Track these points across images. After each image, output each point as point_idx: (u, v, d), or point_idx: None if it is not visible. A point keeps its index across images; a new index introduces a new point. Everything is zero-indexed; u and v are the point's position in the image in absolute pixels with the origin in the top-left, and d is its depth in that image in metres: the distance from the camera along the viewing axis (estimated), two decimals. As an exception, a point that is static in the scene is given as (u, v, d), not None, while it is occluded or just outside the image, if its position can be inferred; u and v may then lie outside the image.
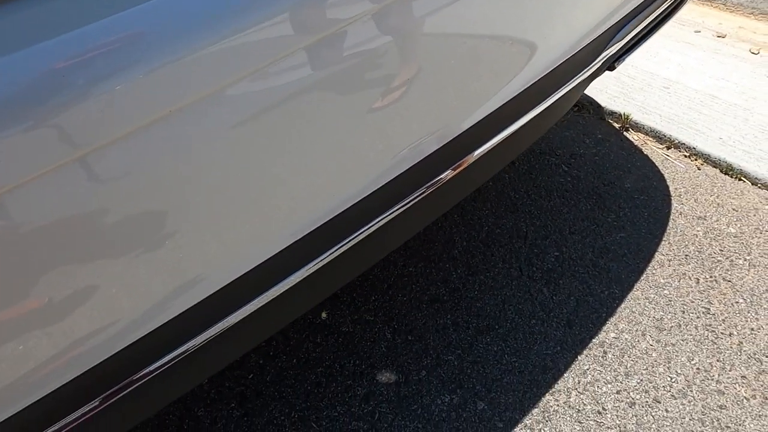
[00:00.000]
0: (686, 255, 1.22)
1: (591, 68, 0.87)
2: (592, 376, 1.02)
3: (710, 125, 1.53)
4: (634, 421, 0.95)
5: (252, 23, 0.47)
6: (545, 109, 0.81)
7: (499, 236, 1.27)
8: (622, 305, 1.13)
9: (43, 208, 0.42)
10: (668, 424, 0.95)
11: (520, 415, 0.97)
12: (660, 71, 1.74)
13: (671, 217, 1.30)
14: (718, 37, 1.90)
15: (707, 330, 1.08)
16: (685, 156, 1.48)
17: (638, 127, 1.56)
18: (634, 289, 1.15)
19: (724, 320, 1.09)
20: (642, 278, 1.17)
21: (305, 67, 0.51)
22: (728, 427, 0.94)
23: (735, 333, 1.07)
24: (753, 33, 1.91)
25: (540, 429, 0.95)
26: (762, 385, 0.99)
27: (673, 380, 1.01)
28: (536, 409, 0.97)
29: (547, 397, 0.99)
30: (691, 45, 1.86)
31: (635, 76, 1.73)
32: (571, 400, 0.99)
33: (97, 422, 0.54)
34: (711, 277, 1.17)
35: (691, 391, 0.99)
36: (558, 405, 0.98)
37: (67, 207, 0.43)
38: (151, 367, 0.55)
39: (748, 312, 1.11)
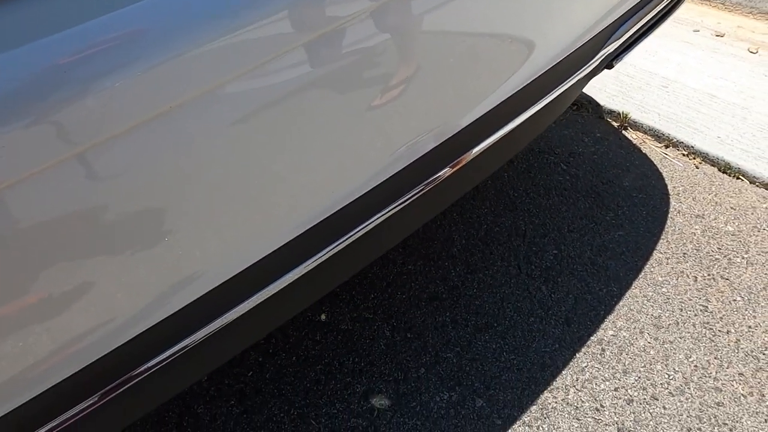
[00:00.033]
0: (684, 253, 1.22)
1: (589, 66, 0.88)
2: (591, 373, 1.02)
3: (708, 124, 1.53)
4: (632, 418, 0.96)
5: (251, 20, 0.47)
6: (543, 107, 0.82)
7: (497, 234, 1.28)
8: (621, 303, 1.13)
9: (43, 204, 0.43)
10: (666, 421, 0.95)
11: (519, 413, 0.97)
12: (659, 70, 1.74)
13: (669, 215, 1.31)
14: (717, 36, 1.90)
15: (705, 328, 1.08)
16: (684, 155, 1.48)
17: (637, 126, 1.56)
18: (633, 287, 1.16)
19: (721, 318, 1.10)
20: (640, 276, 1.18)
21: (304, 65, 0.51)
22: (725, 423, 0.94)
23: (733, 330, 1.08)
24: (751, 32, 1.91)
25: (538, 426, 0.96)
26: (759, 383, 0.99)
27: (670, 377, 1.01)
28: (534, 407, 0.98)
29: (546, 394, 0.99)
30: (690, 44, 1.86)
31: (634, 75, 1.74)
32: (569, 397, 0.99)
33: (97, 418, 0.54)
34: (709, 275, 1.18)
35: (689, 388, 0.99)
36: (556, 402, 0.98)
37: (67, 202, 0.44)
38: (150, 363, 0.55)
39: (746, 310, 1.11)
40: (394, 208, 0.68)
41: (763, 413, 0.95)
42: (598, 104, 1.64)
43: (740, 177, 1.40)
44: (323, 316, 1.12)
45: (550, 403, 0.98)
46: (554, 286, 1.16)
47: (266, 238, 0.58)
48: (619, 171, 1.43)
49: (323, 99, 0.54)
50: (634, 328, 1.09)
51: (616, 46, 0.91)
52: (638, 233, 1.27)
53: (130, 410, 0.60)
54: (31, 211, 0.42)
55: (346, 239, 0.65)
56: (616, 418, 0.96)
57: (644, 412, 0.96)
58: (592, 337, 1.08)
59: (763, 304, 1.12)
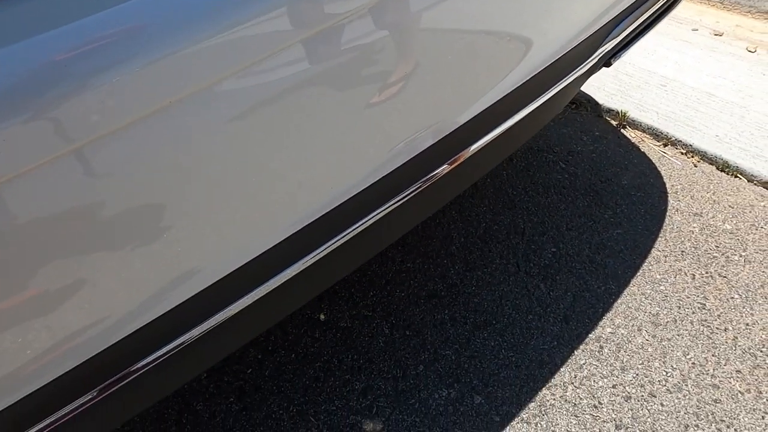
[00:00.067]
0: (682, 251, 1.22)
1: (587, 64, 0.88)
2: (589, 370, 1.03)
3: (707, 123, 1.53)
4: (629, 415, 0.96)
5: (249, 17, 0.48)
6: (541, 104, 0.82)
7: (496, 233, 1.28)
8: (619, 301, 1.14)
9: (40, 200, 0.43)
10: (663, 417, 0.95)
11: (517, 409, 0.97)
12: (657, 69, 1.74)
13: (668, 213, 1.31)
14: (715, 35, 1.90)
15: (703, 325, 1.09)
16: (682, 153, 1.48)
17: (635, 125, 1.57)
18: (631, 285, 1.16)
19: (719, 315, 1.10)
20: (638, 274, 1.18)
21: (302, 61, 0.52)
22: (723, 420, 0.95)
23: (730, 328, 1.08)
24: (750, 31, 1.91)
25: (536, 423, 0.96)
26: (756, 380, 1.00)
27: (668, 375, 1.01)
28: (533, 403, 0.98)
29: (544, 391, 1.00)
30: (689, 43, 1.87)
31: (633, 73, 1.74)
32: (567, 394, 0.99)
33: (96, 413, 0.54)
34: (707, 272, 1.18)
35: (687, 385, 1.00)
36: (554, 399, 0.99)
37: (64, 198, 0.44)
38: (149, 359, 0.55)
39: (744, 307, 1.11)
40: (392, 205, 0.68)
41: (760, 410, 0.96)
42: (596, 103, 1.64)
43: (738, 175, 1.40)
44: (322, 316, 1.13)
45: (548, 400, 0.99)
46: (553, 284, 1.17)
47: (264, 235, 0.58)
48: (617, 169, 1.43)
49: (321, 95, 0.55)
50: (632, 325, 1.09)
51: (614, 44, 0.91)
52: (636, 231, 1.27)
53: (128, 405, 0.60)
54: (29, 207, 0.42)
55: (344, 236, 0.65)
56: (614, 415, 0.96)
57: (642, 409, 0.97)
58: (590, 335, 1.08)
59: (760, 301, 1.12)
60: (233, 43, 0.47)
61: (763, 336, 1.06)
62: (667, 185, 1.39)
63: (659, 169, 1.43)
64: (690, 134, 1.50)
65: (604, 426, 0.95)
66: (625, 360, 1.04)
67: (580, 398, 0.99)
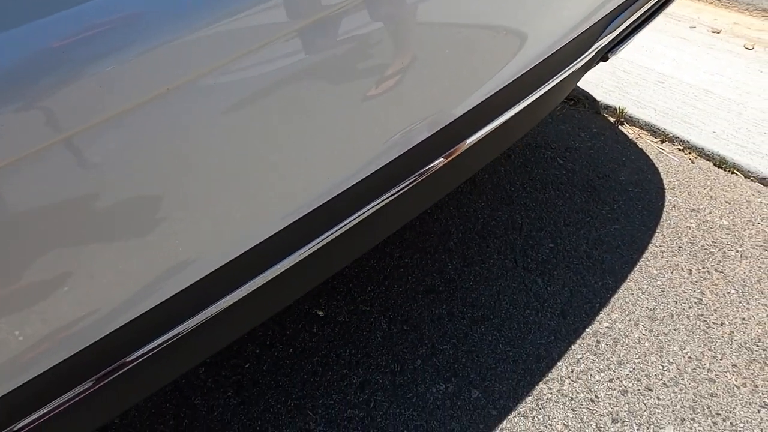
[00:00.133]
0: (679, 246, 1.23)
1: (584, 58, 0.88)
2: (585, 365, 1.03)
3: (704, 119, 1.54)
4: (626, 409, 0.96)
5: (246, 6, 0.48)
6: (538, 98, 0.82)
7: (494, 228, 1.28)
8: (616, 296, 1.14)
9: (35, 187, 0.43)
10: (660, 411, 0.96)
11: (514, 403, 0.98)
12: (655, 66, 1.75)
13: (665, 209, 1.32)
14: (713, 32, 1.91)
15: (699, 320, 1.09)
16: (679, 149, 1.49)
17: (633, 121, 1.57)
18: (628, 280, 1.17)
19: (716, 310, 1.11)
20: (635, 269, 1.19)
21: (298, 51, 0.52)
22: (719, 414, 0.95)
23: (727, 323, 1.09)
24: (747, 29, 1.92)
25: (533, 416, 0.96)
26: (752, 374, 1.00)
27: (665, 369, 1.02)
28: (530, 397, 0.99)
29: (541, 385, 1.00)
30: (686, 40, 1.87)
31: (630, 70, 1.74)
32: (564, 388, 1.00)
33: (91, 403, 0.54)
34: (703, 268, 1.18)
35: (683, 379, 1.00)
36: (551, 393, 0.99)
37: (59, 186, 0.44)
38: (145, 349, 0.55)
39: (740, 302, 1.12)
40: (388, 197, 0.69)
41: (756, 404, 0.96)
42: (594, 99, 1.65)
43: (735, 171, 1.41)
44: (320, 312, 1.13)
45: (545, 394, 0.99)
46: (550, 279, 1.17)
47: (260, 225, 0.58)
48: (615, 165, 1.44)
49: (317, 85, 0.55)
50: (629, 320, 1.10)
51: (611, 38, 0.91)
52: (634, 227, 1.27)
53: (125, 396, 0.60)
54: (23, 195, 0.42)
55: (340, 228, 0.65)
56: (610, 409, 0.97)
57: (638, 403, 0.97)
58: (587, 329, 1.08)
59: (756, 296, 1.13)
60: (230, 32, 0.48)
61: (759, 330, 1.07)
62: (665, 181, 1.39)
63: (657, 166, 1.44)
64: (687, 131, 1.50)
65: (600, 420, 0.95)
66: (621, 354, 1.04)
67: (577, 392, 0.99)
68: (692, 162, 1.45)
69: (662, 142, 1.51)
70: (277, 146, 0.55)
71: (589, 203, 1.34)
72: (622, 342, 1.06)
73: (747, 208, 1.31)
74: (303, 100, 0.54)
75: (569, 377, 1.01)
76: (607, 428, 0.94)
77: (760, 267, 1.18)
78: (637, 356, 1.04)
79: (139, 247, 0.50)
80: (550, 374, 1.02)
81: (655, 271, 1.18)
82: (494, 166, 1.44)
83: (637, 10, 0.93)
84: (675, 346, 1.05)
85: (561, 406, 0.97)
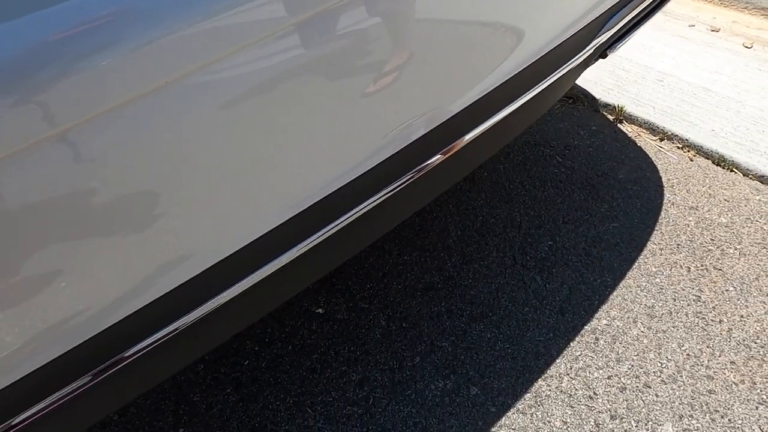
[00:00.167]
0: (678, 244, 1.23)
1: (583, 55, 0.88)
2: (584, 362, 1.03)
3: (703, 117, 1.54)
4: (624, 406, 0.97)
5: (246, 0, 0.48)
6: (536, 95, 0.82)
7: (493, 226, 1.28)
8: (614, 293, 1.14)
9: (31, 180, 0.43)
10: (658, 408, 0.96)
11: (513, 400, 0.98)
12: (654, 64, 1.75)
13: (663, 207, 1.32)
14: (712, 31, 1.91)
15: (698, 317, 1.09)
16: (678, 147, 1.49)
17: (632, 119, 1.57)
18: (626, 278, 1.17)
19: (714, 308, 1.11)
20: (634, 267, 1.19)
21: (297, 45, 0.52)
22: (717, 411, 0.95)
23: (725, 320, 1.09)
24: (746, 27, 1.92)
25: (532, 413, 0.96)
26: (750, 371, 1.00)
27: (663, 366, 1.02)
28: (529, 394, 0.99)
29: (540, 382, 1.00)
30: (685, 39, 1.87)
31: (629, 68, 1.74)
32: (563, 385, 1.00)
33: (88, 398, 0.54)
34: (702, 265, 1.18)
35: (681, 376, 1.00)
36: (550, 390, 0.99)
37: (55, 179, 0.44)
38: (143, 344, 0.55)
39: (738, 299, 1.12)
40: (386, 193, 0.69)
41: (754, 400, 0.96)
42: (593, 98, 1.65)
43: (734, 169, 1.41)
44: (319, 309, 1.13)
45: (544, 391, 0.99)
46: (549, 277, 1.17)
47: (257, 220, 0.58)
48: (614, 163, 1.44)
49: (315, 80, 0.55)
50: (628, 317, 1.10)
51: (609, 35, 0.91)
52: (632, 225, 1.27)
53: (122, 391, 0.60)
54: (20, 188, 0.42)
55: (338, 224, 0.65)
56: (609, 406, 0.97)
57: (637, 400, 0.97)
58: (585, 327, 1.08)
59: (755, 294, 1.13)
60: (228, 26, 0.48)
61: (758, 328, 1.07)
62: (663, 179, 1.39)
63: (655, 164, 1.44)
64: (686, 129, 1.51)
65: (599, 416, 0.95)
66: (620, 351, 1.04)
67: (576, 389, 0.99)
68: (691, 160, 1.45)
69: (661, 140, 1.51)
70: (275, 141, 0.55)
71: (588, 201, 1.34)
72: (620, 339, 1.06)
73: (745, 205, 1.32)
74: (301, 95, 0.54)
75: (568, 374, 1.01)
76: (605, 425, 0.94)
77: (758, 264, 1.18)
78: (636, 353, 1.04)
79: (136, 241, 0.50)
80: (548, 371, 1.02)
81: (653, 269, 1.18)
82: (493, 164, 1.44)
83: (636, 7, 0.93)
84: (673, 343, 1.05)
85: (559, 403, 0.97)
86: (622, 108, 1.58)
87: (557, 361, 1.03)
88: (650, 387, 0.99)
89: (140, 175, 0.48)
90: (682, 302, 1.12)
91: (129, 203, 0.48)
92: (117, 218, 0.48)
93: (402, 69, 0.61)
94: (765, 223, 1.27)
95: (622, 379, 1.00)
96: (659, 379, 1.00)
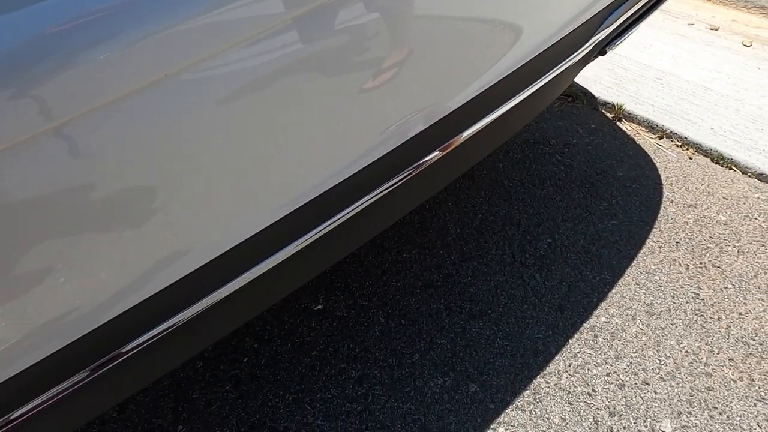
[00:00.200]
0: (677, 242, 1.23)
1: (582, 51, 0.88)
2: (583, 359, 1.03)
3: (702, 115, 1.54)
4: (623, 403, 0.97)
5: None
6: (535, 91, 0.82)
7: (492, 223, 1.28)
8: (613, 290, 1.14)
9: (29, 175, 0.43)
10: (657, 405, 0.96)
11: (512, 397, 0.98)
12: (653, 62, 1.75)
13: (662, 205, 1.32)
14: (711, 29, 1.91)
15: (696, 314, 1.09)
16: (677, 145, 1.49)
17: (631, 117, 1.57)
18: (625, 275, 1.17)
19: (713, 305, 1.11)
20: (633, 264, 1.19)
21: (294, 41, 0.52)
22: (715, 407, 0.95)
23: (723, 317, 1.09)
24: (745, 26, 1.92)
25: (531, 410, 0.96)
26: (749, 368, 1.01)
27: (662, 363, 1.02)
28: (527, 391, 0.99)
29: (539, 379, 1.00)
30: (685, 37, 1.87)
31: (629, 67, 1.74)
32: (561, 382, 1.00)
33: (87, 392, 0.54)
34: (701, 263, 1.19)
35: (680, 373, 1.00)
36: (549, 387, 0.99)
37: (51, 174, 0.44)
38: (140, 340, 0.55)
39: (737, 297, 1.12)
40: (384, 190, 0.69)
41: (752, 397, 0.96)
42: (593, 96, 1.65)
43: (733, 167, 1.41)
44: (320, 306, 1.13)
45: (542, 388, 0.99)
46: (548, 274, 1.17)
47: (255, 217, 0.58)
48: (613, 161, 1.44)
49: (312, 76, 0.55)
50: (627, 314, 1.10)
51: (608, 32, 0.91)
52: (631, 222, 1.28)
53: (121, 387, 0.60)
54: (17, 181, 0.42)
55: (336, 220, 0.65)
56: (607, 403, 0.97)
57: (635, 397, 0.97)
58: (584, 324, 1.09)
59: (753, 291, 1.13)
60: (227, 20, 0.47)
61: (756, 325, 1.07)
62: (662, 177, 1.39)
63: (654, 162, 1.44)
64: (685, 127, 1.51)
65: (598, 413, 0.95)
66: (619, 348, 1.05)
67: (575, 386, 0.99)
68: (690, 158, 1.45)
69: (660, 138, 1.52)
70: (272, 137, 0.55)
71: (587, 199, 1.34)
72: (619, 336, 1.06)
73: (744, 203, 1.32)
74: (299, 90, 0.54)
75: (567, 371, 1.01)
76: (604, 421, 0.94)
77: (757, 262, 1.18)
78: (635, 350, 1.04)
79: (133, 236, 0.50)
80: (547, 368, 1.02)
81: (652, 267, 1.18)
82: (492, 162, 1.44)
83: (635, 3, 0.93)
84: (672, 340, 1.05)
85: (558, 400, 0.97)
86: (621, 106, 1.59)
87: (556, 358, 1.03)
88: (649, 384, 0.99)
89: (137, 170, 0.47)
90: (680, 300, 1.12)
91: (126, 198, 0.48)
92: (114, 213, 0.48)
93: (400, 65, 0.61)
94: (763, 221, 1.27)
95: (621, 376, 1.00)
96: (658, 376, 1.00)
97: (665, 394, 0.98)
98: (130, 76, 0.43)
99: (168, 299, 0.55)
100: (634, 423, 0.94)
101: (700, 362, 1.02)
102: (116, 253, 0.50)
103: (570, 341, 1.06)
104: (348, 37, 0.56)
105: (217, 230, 0.56)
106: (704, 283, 1.15)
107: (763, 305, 1.10)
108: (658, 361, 1.02)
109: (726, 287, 1.14)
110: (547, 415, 0.95)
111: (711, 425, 0.93)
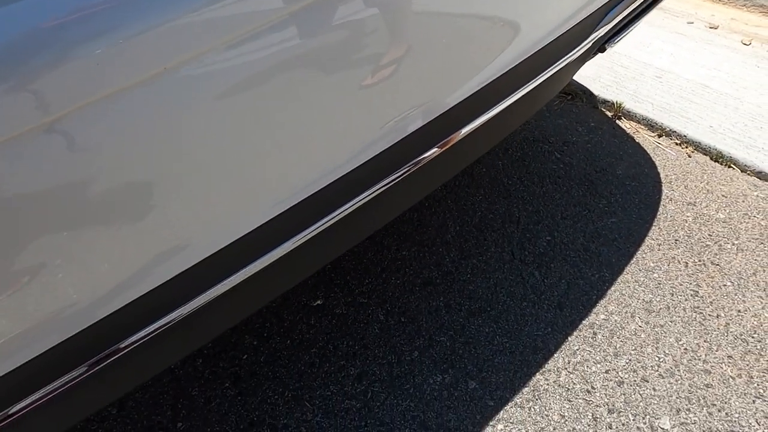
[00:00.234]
0: (676, 240, 1.23)
1: (581, 48, 0.88)
2: (582, 356, 1.03)
3: (701, 114, 1.54)
4: (622, 400, 0.97)
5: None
6: (535, 88, 0.82)
7: (491, 221, 1.28)
8: (612, 288, 1.14)
9: (26, 170, 0.43)
10: (656, 402, 0.96)
11: (511, 394, 0.98)
12: (653, 61, 1.75)
13: (662, 202, 1.32)
14: (711, 28, 1.91)
15: (695, 312, 1.10)
16: (676, 143, 1.49)
17: (630, 116, 1.57)
18: (624, 273, 1.17)
19: (711, 302, 1.11)
20: (632, 262, 1.19)
21: (293, 36, 0.52)
22: (714, 405, 0.96)
23: (722, 315, 1.09)
24: (745, 24, 1.92)
25: (530, 407, 0.96)
26: (747, 365, 1.01)
27: (661, 360, 1.02)
28: (527, 388, 0.99)
29: (538, 376, 1.00)
30: (684, 36, 1.87)
31: (628, 65, 1.74)
32: (560, 379, 1.00)
33: (85, 388, 0.54)
34: (700, 260, 1.19)
35: (679, 370, 1.00)
36: (548, 384, 0.99)
37: (49, 168, 0.44)
38: (139, 335, 0.55)
39: (736, 294, 1.12)
40: (383, 186, 0.69)
41: (751, 394, 0.97)
42: (592, 94, 1.65)
43: (732, 165, 1.41)
44: (318, 302, 1.13)
45: (542, 385, 0.99)
46: (547, 272, 1.17)
47: (253, 212, 0.58)
48: (612, 159, 1.44)
49: (311, 71, 0.55)
50: (626, 312, 1.10)
51: (608, 29, 0.91)
52: (631, 220, 1.28)
53: (119, 382, 0.60)
54: (14, 176, 0.42)
55: (334, 217, 0.65)
56: (606, 400, 0.97)
57: (634, 394, 0.97)
58: (583, 321, 1.09)
59: (752, 289, 1.13)
60: (226, 15, 0.47)
61: (755, 322, 1.07)
62: (662, 175, 1.39)
63: (654, 160, 1.44)
64: (684, 125, 1.51)
65: (596, 410, 0.96)
66: (618, 346, 1.05)
67: (574, 383, 0.99)
68: (689, 156, 1.45)
69: (659, 136, 1.52)
70: (270, 132, 0.55)
71: (586, 197, 1.34)
72: (618, 334, 1.07)
73: (743, 201, 1.32)
74: (298, 86, 0.54)
75: (566, 368, 1.02)
76: (603, 418, 0.94)
77: (755, 260, 1.18)
78: (634, 348, 1.04)
79: (131, 232, 0.50)
80: (546, 365, 1.02)
81: (651, 264, 1.18)
82: (492, 160, 1.44)
83: (635, 0, 0.93)
84: (671, 337, 1.05)
85: (557, 397, 0.97)
86: (620, 104, 1.59)
87: (555, 355, 1.03)
88: (648, 381, 0.99)
89: (135, 165, 0.47)
90: (679, 297, 1.12)
91: (124, 193, 0.48)
92: (111, 208, 0.48)
93: (398, 60, 0.61)
94: (762, 219, 1.27)
95: (620, 373, 1.01)
96: (657, 373, 1.00)
97: (664, 391, 0.98)
98: (129, 69, 0.43)
99: (166, 295, 0.55)
100: (633, 420, 0.94)
101: (699, 359, 1.02)
102: (114, 248, 0.50)
103: (569, 339, 1.06)
104: (348, 32, 0.56)
105: (215, 226, 0.56)
106: (703, 281, 1.15)
107: (761, 303, 1.10)
108: (657, 359, 1.02)
109: (725, 285, 1.14)
110: (546, 412, 0.96)
111: (710, 422, 0.93)
